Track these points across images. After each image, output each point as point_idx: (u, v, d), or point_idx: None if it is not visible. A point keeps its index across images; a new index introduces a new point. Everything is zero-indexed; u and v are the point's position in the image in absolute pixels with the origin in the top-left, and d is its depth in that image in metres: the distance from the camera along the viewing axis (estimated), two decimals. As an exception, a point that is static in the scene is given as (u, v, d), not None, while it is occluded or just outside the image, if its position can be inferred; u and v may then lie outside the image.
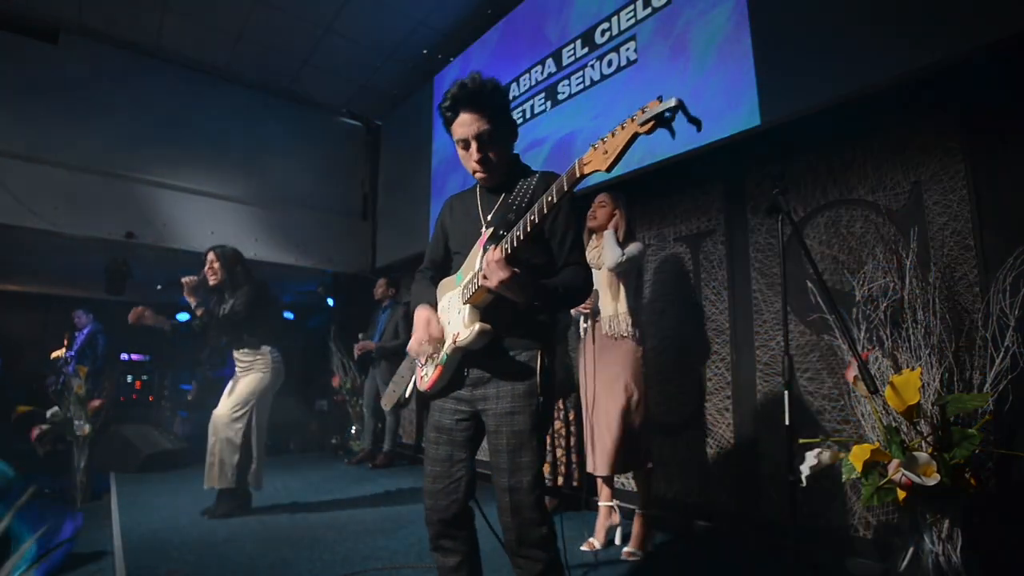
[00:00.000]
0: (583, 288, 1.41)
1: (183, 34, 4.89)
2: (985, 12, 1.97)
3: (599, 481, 2.56)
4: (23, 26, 4.52)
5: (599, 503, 2.56)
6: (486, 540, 1.50)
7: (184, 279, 3.07)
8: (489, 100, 1.37)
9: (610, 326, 2.48)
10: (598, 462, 2.43)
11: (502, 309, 1.34)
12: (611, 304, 2.50)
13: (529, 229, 1.21)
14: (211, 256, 3.15)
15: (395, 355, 4.52)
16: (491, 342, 1.35)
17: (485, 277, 1.26)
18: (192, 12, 4.59)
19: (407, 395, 1.47)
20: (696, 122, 1.03)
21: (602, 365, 2.49)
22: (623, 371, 2.43)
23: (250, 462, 3.11)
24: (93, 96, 4.80)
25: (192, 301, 3.04)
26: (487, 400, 1.37)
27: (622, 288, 2.49)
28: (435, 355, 1.41)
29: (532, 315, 1.38)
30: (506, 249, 1.24)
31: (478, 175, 1.45)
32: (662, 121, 1.02)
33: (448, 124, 1.43)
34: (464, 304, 1.35)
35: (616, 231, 2.52)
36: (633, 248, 2.49)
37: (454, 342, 1.36)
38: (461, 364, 1.40)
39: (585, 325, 2.60)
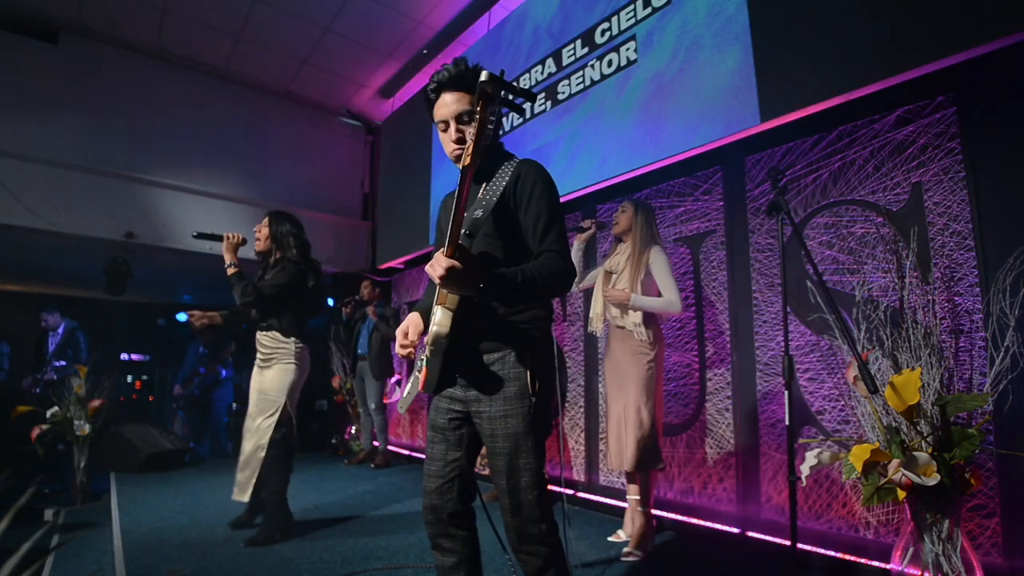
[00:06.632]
0: (557, 275, 1.29)
1: (183, 34, 4.89)
2: (985, 12, 1.97)
3: (626, 477, 2.63)
4: (23, 26, 4.52)
5: (628, 497, 2.62)
6: (487, 541, 1.50)
7: (227, 233, 2.79)
8: (472, 82, 1.38)
9: (624, 327, 2.54)
10: (625, 458, 2.47)
11: (475, 310, 1.30)
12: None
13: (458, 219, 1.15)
14: (265, 220, 2.90)
15: (396, 321, 4.75)
16: (467, 347, 1.33)
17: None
18: (192, 12, 4.59)
19: (407, 395, 1.47)
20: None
21: (618, 365, 2.55)
22: (634, 371, 2.48)
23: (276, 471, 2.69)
24: (93, 96, 4.80)
25: (228, 259, 2.73)
26: (480, 402, 1.35)
27: (639, 291, 2.52)
28: (421, 357, 1.39)
29: (508, 316, 1.34)
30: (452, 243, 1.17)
31: (455, 155, 1.44)
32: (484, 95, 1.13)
33: (431, 108, 1.47)
34: (436, 305, 1.30)
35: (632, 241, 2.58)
36: (653, 255, 2.53)
37: (432, 344, 1.32)
38: (445, 367, 1.35)
39: (603, 326, 2.66)
